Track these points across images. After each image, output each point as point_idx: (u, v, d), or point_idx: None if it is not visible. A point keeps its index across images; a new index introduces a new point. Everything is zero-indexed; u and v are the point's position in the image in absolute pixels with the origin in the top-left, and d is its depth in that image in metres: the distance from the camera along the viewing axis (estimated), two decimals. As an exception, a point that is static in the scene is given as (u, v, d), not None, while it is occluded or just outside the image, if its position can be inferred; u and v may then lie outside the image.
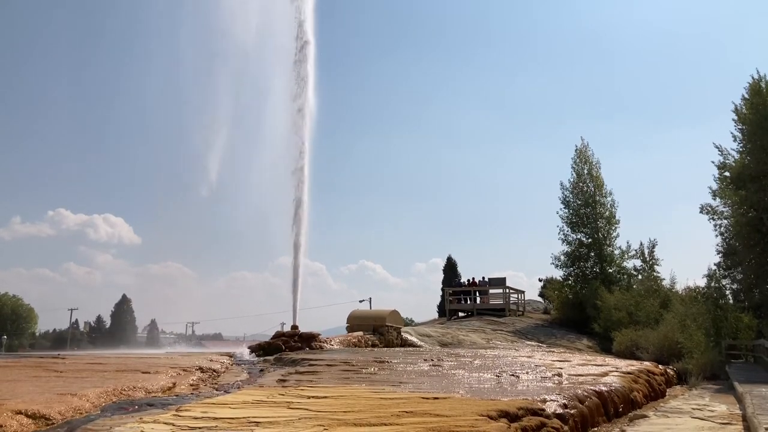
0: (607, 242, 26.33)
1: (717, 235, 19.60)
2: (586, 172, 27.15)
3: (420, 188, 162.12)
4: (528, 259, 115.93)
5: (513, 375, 8.24)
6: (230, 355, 11.70)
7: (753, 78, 18.27)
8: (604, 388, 6.99)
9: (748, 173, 17.66)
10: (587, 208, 26.55)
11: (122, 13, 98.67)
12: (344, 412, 4.86)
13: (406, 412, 4.81)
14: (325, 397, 5.77)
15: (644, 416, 6.81)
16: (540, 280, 31.54)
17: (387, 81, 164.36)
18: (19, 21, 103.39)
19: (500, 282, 28.01)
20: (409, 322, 28.79)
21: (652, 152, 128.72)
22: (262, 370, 9.84)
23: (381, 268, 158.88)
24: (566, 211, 26.92)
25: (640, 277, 25.01)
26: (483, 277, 28.39)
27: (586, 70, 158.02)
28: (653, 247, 25.15)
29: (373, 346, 16.03)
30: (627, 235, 41.82)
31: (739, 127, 18.50)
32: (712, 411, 7.32)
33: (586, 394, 6.40)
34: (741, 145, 18.57)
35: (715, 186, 19.16)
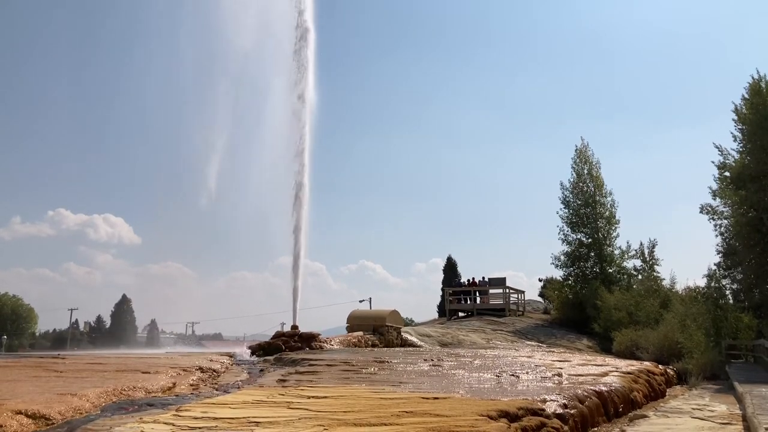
0: (607, 242, 26.33)
1: (717, 235, 19.63)
2: (586, 172, 27.16)
3: (420, 188, 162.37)
4: (528, 259, 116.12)
5: (513, 375, 8.23)
6: (230, 355, 11.69)
7: (753, 78, 18.28)
8: (604, 388, 6.99)
9: (748, 173, 17.66)
10: (587, 208, 26.55)
11: (122, 13, 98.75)
12: (344, 412, 4.86)
13: (406, 412, 4.81)
14: (325, 397, 5.76)
15: (644, 416, 6.81)
16: (540, 280, 31.60)
17: (387, 81, 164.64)
18: (19, 21, 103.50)
19: (500, 282, 28.01)
20: (409, 322, 28.79)
21: (652, 152, 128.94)
22: (262, 370, 9.84)
23: (381, 268, 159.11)
24: (566, 211, 26.95)
25: (640, 277, 25.01)
26: (483, 277, 28.43)
27: (586, 70, 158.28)
28: (653, 247, 25.19)
29: (373, 346, 16.03)
30: (627, 235, 41.89)
31: (739, 127, 18.50)
32: (712, 411, 7.31)
33: (586, 394, 6.40)
34: (741, 145, 18.57)
35: (715, 186, 19.19)
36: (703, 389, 11.24)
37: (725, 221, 19.24)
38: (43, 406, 4.95)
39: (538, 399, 5.61)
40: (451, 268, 40.09)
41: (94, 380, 6.94)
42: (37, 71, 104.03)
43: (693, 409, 7.56)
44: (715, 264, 19.65)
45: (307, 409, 5.03)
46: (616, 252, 26.29)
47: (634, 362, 11.83)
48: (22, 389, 5.95)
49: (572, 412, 5.59)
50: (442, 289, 35.58)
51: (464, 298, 28.47)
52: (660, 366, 12.01)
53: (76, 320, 64.57)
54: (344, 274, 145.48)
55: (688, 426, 6.20)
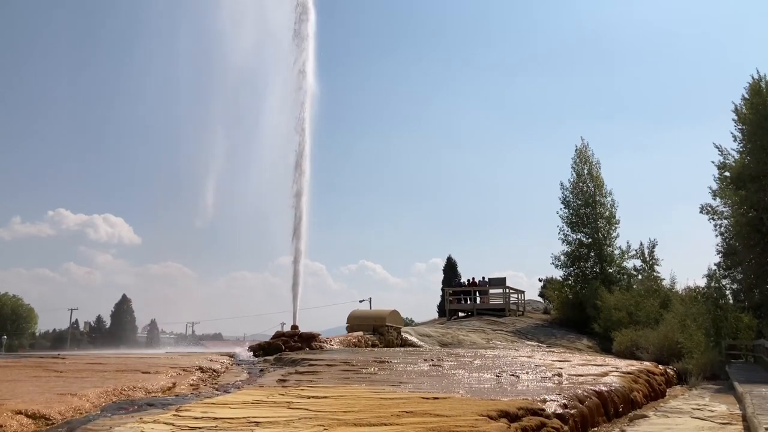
0: (607, 242, 26.33)
1: (717, 235, 19.64)
2: (586, 172, 27.15)
3: (420, 188, 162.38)
4: (528, 259, 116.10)
5: (513, 375, 8.23)
6: (230, 355, 11.69)
7: (753, 78, 18.29)
8: (604, 388, 6.99)
9: (748, 173, 17.66)
10: (587, 208, 26.55)
11: (122, 13, 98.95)
12: (344, 412, 4.86)
13: (406, 412, 4.81)
14: (325, 397, 5.77)
15: (644, 416, 6.81)
16: (540, 280, 31.59)
17: (387, 81, 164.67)
18: (19, 21, 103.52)
19: (500, 282, 28.00)
20: (409, 322, 28.78)
21: (652, 152, 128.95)
22: (262, 370, 9.84)
23: (381, 268, 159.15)
24: (566, 211, 26.94)
25: (640, 277, 25.01)
26: (483, 277, 28.42)
27: (586, 70, 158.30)
28: (653, 247, 25.18)
29: (373, 346, 16.03)
30: (627, 235, 41.85)
31: (739, 127, 18.50)
32: (712, 411, 7.31)
33: (586, 394, 6.40)
34: (741, 145, 18.57)
35: (715, 186, 19.20)
36: (703, 389, 11.24)
37: (725, 221, 19.25)
38: (43, 406, 4.95)
39: (538, 399, 5.61)
40: (451, 268, 40.08)
41: (94, 380, 6.94)
42: (37, 71, 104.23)
43: (693, 409, 7.56)
44: (715, 264, 19.69)
45: (307, 409, 5.03)
46: (616, 252, 26.30)
47: (634, 362, 11.83)
48: (22, 389, 5.95)
49: (572, 412, 5.59)
50: (442, 289, 35.58)
51: (464, 298, 28.46)
52: (660, 366, 12.01)
53: (76, 320, 64.68)
54: (344, 274, 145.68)
55: (688, 426, 6.20)
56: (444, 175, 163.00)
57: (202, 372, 8.69)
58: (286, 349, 13.44)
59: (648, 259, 25.08)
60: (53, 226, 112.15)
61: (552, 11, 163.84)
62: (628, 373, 8.98)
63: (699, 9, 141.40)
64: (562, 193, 27.19)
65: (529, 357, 12.06)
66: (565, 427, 5.22)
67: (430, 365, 9.66)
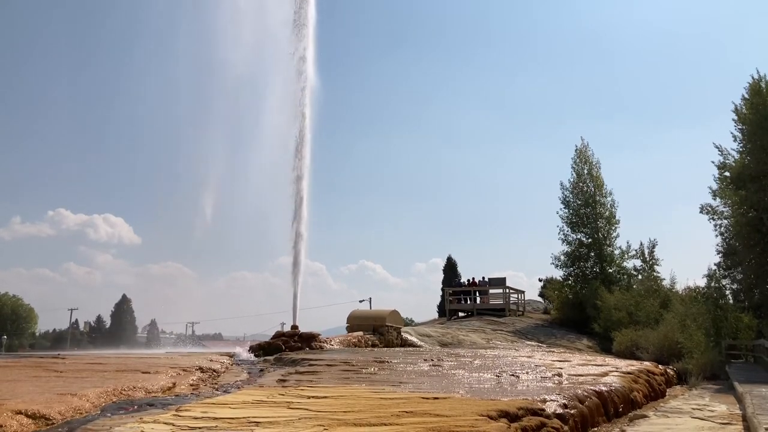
0: (607, 242, 26.34)
1: (717, 235, 19.66)
2: (586, 172, 27.17)
3: (420, 188, 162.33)
4: (528, 259, 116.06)
5: (513, 375, 8.24)
6: (230, 355, 11.69)
7: (753, 78, 18.30)
8: (604, 388, 6.99)
9: (748, 173, 17.66)
10: (587, 208, 26.56)
11: (122, 13, 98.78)
12: (344, 412, 4.86)
13: (406, 412, 4.81)
14: (325, 397, 5.77)
15: (644, 416, 6.81)
16: (540, 280, 31.61)
17: (387, 81, 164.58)
18: (19, 21, 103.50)
19: (500, 282, 28.02)
20: (409, 322, 28.79)
21: (652, 152, 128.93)
22: (262, 370, 9.84)
23: (381, 268, 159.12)
24: (566, 211, 26.96)
25: (640, 277, 25.02)
26: (483, 277, 28.43)
27: (586, 70, 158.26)
28: (653, 247, 25.21)
29: (373, 346, 16.03)
30: (627, 235, 41.86)
31: (739, 127, 18.51)
32: (712, 411, 7.32)
33: (586, 394, 6.40)
34: (741, 145, 18.59)
35: (715, 186, 19.22)
36: (703, 389, 11.24)
37: (725, 221, 19.26)
38: (43, 406, 4.95)
39: (538, 399, 5.61)
40: (451, 268, 40.08)
41: (94, 380, 6.94)
42: (37, 71, 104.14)
43: (693, 409, 7.56)
44: (715, 264, 19.71)
45: (307, 409, 5.03)
46: (616, 252, 26.32)
47: (634, 362, 11.83)
48: (22, 389, 5.94)
49: (572, 412, 5.59)
50: (442, 289, 35.58)
51: (464, 298, 28.47)
52: (660, 366, 12.01)
53: (76, 320, 64.68)
54: (344, 274, 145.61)
55: (688, 426, 6.20)
56: (444, 175, 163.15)
57: (202, 372, 8.68)
58: (286, 349, 13.44)
59: (648, 259, 25.10)
60: (53, 226, 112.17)
61: (552, 11, 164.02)
62: (628, 373, 8.99)
63: (699, 9, 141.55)
64: (562, 193, 27.25)
65: (529, 357, 12.07)
66: (565, 427, 5.22)
67: (430, 365, 9.66)
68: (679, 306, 18.20)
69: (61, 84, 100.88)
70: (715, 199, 19.26)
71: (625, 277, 25.64)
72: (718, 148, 19.14)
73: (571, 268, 26.52)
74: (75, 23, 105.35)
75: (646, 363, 11.70)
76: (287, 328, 16.22)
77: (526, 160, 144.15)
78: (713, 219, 19.44)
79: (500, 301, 27.15)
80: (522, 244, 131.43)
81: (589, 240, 26.30)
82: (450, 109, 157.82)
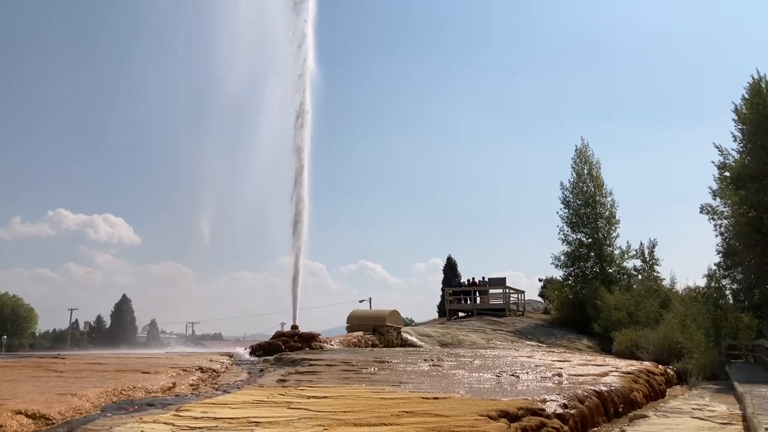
0: (607, 242, 26.33)
1: (717, 235, 19.65)
2: (586, 172, 27.16)
3: (420, 188, 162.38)
4: (528, 259, 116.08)
5: (513, 375, 8.24)
6: (230, 355, 11.69)
7: (753, 78, 18.30)
8: (604, 388, 6.99)
9: (748, 173, 17.66)
10: (587, 208, 26.55)
11: (122, 13, 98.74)
12: (344, 412, 4.86)
13: (406, 412, 4.81)
14: (325, 397, 5.77)
15: (644, 416, 6.81)
16: (540, 280, 31.59)
17: (387, 81, 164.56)
18: (19, 21, 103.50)
19: (500, 282, 28.00)
20: (409, 322, 28.79)
21: (652, 152, 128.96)
22: (262, 370, 9.84)
23: (381, 268, 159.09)
24: (566, 211, 26.95)
25: (640, 277, 25.01)
26: (483, 277, 28.42)
27: (586, 70, 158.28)
28: (653, 247, 25.19)
29: (373, 346, 16.03)
30: (627, 235, 41.85)
31: (739, 127, 18.51)
32: (712, 411, 7.32)
33: (586, 394, 6.40)
34: (741, 145, 18.58)
35: (715, 186, 19.21)
36: (703, 389, 11.24)
37: (725, 221, 19.26)
38: (43, 406, 4.95)
39: (538, 399, 5.61)
40: (451, 268, 40.07)
41: (94, 380, 6.94)
42: (37, 71, 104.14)
43: (693, 409, 7.56)
44: (715, 264, 19.71)
45: (307, 409, 5.03)
46: (616, 252, 26.31)
47: (634, 362, 11.83)
48: (22, 389, 5.95)
49: (572, 412, 5.59)
50: (442, 289, 35.57)
51: (464, 298, 28.46)
52: (660, 366, 12.01)
53: (76, 320, 64.69)
54: (344, 274, 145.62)
55: (688, 426, 6.20)
56: (444, 175, 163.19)
57: (202, 372, 8.69)
58: (286, 349, 13.44)
59: (648, 259, 25.09)
60: (53, 226, 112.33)
61: (552, 11, 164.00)
62: (628, 373, 8.99)
63: (699, 9, 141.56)
64: (562, 193, 27.24)
65: (529, 357, 12.07)
66: (565, 427, 5.22)
67: (430, 365, 9.66)
68: (679, 306, 18.19)
69: (61, 84, 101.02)
70: (715, 199, 19.29)
71: (625, 277, 25.63)
72: (718, 148, 19.17)
73: (571, 268, 26.52)
74: (75, 23, 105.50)
75: (646, 363, 11.70)
76: (287, 328, 16.23)
77: (526, 160, 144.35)
78: (713, 219, 19.46)
79: (500, 301, 27.14)
80: (522, 244, 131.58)
81: (589, 240, 26.29)
82: (450, 109, 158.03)
